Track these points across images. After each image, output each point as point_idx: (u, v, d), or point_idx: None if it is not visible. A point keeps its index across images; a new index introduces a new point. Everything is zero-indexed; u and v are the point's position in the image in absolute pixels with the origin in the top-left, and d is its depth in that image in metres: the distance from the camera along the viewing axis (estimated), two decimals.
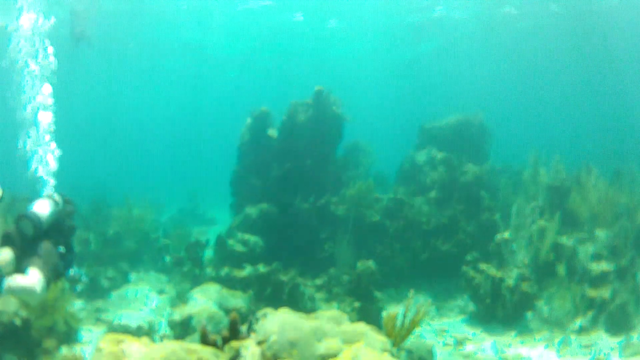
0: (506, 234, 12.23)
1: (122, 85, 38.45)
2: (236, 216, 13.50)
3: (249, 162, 13.79)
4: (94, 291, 11.91)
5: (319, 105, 13.06)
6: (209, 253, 13.04)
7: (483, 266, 11.57)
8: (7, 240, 4.99)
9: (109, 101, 41.95)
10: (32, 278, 4.82)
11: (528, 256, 12.07)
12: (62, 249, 5.29)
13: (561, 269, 11.81)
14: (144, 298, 12.14)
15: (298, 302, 10.13)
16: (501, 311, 10.83)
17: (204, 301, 9.42)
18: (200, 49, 30.87)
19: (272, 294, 10.24)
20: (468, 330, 10.65)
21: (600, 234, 12.56)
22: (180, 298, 10.68)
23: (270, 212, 12.73)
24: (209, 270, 12.30)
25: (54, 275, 5.14)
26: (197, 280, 12.34)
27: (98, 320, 10.77)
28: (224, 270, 11.01)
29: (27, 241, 5.03)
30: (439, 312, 11.65)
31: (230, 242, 12.08)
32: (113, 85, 37.56)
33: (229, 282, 10.80)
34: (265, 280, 10.30)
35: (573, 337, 9.75)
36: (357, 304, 9.79)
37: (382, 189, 14.25)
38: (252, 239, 12.08)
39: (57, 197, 5.48)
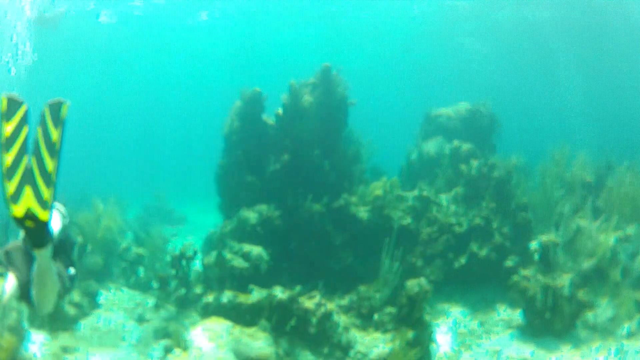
0: (552, 236, 9.81)
1: (82, 68, 33.60)
2: (227, 220, 10.46)
3: (239, 154, 10.71)
4: (58, 321, 8.70)
5: (327, 85, 10.16)
6: (194, 265, 10.05)
7: (531, 273, 9.29)
8: (10, 261, 3.43)
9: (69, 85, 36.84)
10: None
11: (577, 260, 9.88)
12: (71, 271, 3.97)
13: (615, 273, 9.91)
14: (120, 328, 9.05)
15: (332, 336, 7.26)
16: (557, 324, 8.77)
17: (213, 348, 6.43)
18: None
19: (296, 327, 7.32)
20: (523, 349, 8.53)
21: (632, 230, 10.88)
22: (172, 333, 7.62)
23: (273, 215, 9.74)
24: (199, 291, 9.28)
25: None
26: (185, 303, 9.37)
27: None
28: (226, 296, 7.99)
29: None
30: (484, 328, 9.21)
31: (227, 255, 9.05)
32: (75, 68, 32.71)
33: (233, 312, 7.89)
34: (286, 310, 7.34)
35: (625, 343, 8.38)
36: (410, 334, 7.02)
37: None
38: (255, 250, 9.11)
39: (61, 207, 3.98)
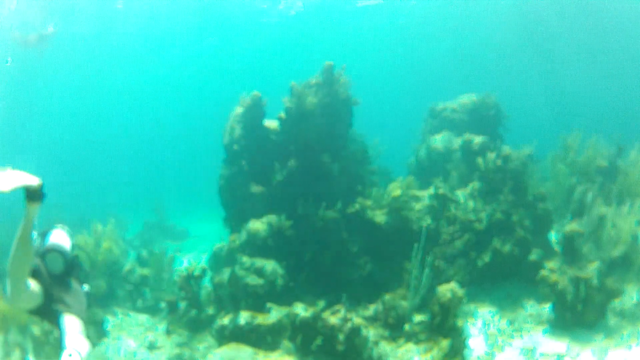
0: (576, 226, 9.25)
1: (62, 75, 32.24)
2: (235, 234, 9.78)
3: (243, 163, 10.05)
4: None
5: (331, 85, 9.51)
6: (204, 283, 9.38)
7: (556, 266, 8.77)
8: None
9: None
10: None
11: (601, 248, 9.36)
12: (85, 287, 3.90)
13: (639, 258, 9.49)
14: (131, 358, 8.32)
15: (362, 352, 6.63)
16: (589, 315, 8.35)
17: None
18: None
19: (323, 346, 6.67)
20: (556, 344, 8.04)
21: None
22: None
23: (284, 226, 9.10)
24: (211, 312, 8.61)
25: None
26: (197, 325, 8.67)
27: None
28: (243, 317, 7.33)
29: (56, 280, 3.53)
30: (514, 327, 8.63)
31: (239, 271, 8.39)
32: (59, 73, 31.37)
33: (252, 334, 7.24)
34: (310, 328, 6.70)
35: None
36: (446, 343, 6.42)
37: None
38: (269, 265, 8.45)
39: (66, 228, 3.98)
